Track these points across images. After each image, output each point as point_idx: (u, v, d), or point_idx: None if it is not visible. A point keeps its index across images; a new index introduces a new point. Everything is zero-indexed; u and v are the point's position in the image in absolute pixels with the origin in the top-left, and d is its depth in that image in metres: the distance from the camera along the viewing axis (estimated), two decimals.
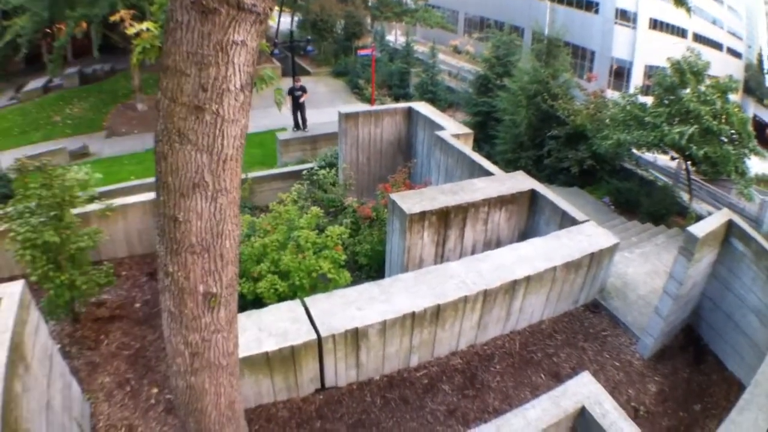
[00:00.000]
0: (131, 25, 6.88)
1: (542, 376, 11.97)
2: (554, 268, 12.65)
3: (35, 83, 59.81)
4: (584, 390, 8.00)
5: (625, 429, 7.39)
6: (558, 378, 11.75)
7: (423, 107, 22.32)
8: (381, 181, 19.85)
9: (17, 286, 9.13)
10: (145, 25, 6.86)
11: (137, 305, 14.64)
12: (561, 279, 13.02)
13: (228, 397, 7.32)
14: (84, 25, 45.58)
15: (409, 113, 22.29)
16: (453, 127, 19.81)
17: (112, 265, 14.32)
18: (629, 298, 14.60)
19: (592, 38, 69.20)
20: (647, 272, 16.13)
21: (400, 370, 11.55)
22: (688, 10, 28.97)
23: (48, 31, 53.57)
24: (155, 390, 11.72)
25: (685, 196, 29.44)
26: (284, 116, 42.13)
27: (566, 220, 14.74)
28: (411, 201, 14.08)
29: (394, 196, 14.54)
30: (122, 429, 10.71)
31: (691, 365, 13.09)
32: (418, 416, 10.69)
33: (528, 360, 12.35)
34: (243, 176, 20.34)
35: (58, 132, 48.22)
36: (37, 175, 12.71)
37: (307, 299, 11.04)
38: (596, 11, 68.88)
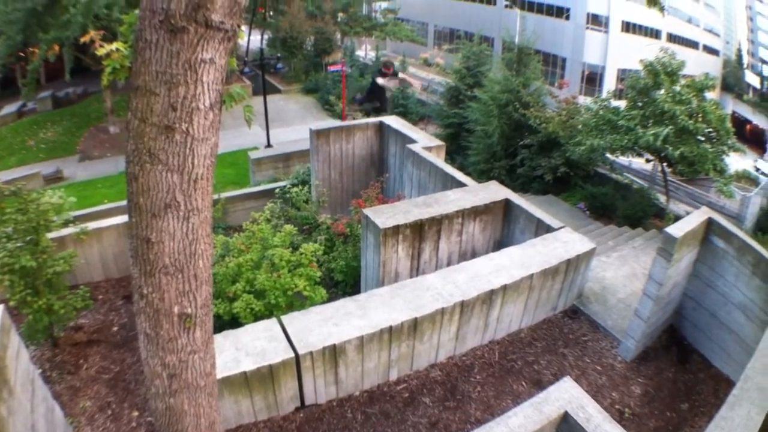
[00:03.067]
0: (101, 46, 6.96)
1: (524, 384, 12.05)
2: (531, 276, 12.74)
3: (9, 108, 60.16)
4: (566, 395, 8.07)
5: (611, 431, 7.47)
6: (540, 385, 11.82)
7: (394, 121, 22.39)
8: (354, 196, 19.93)
9: None
10: (114, 46, 6.93)
11: (115, 329, 14.74)
12: (538, 286, 13.13)
13: (207, 417, 7.38)
14: (56, 48, 45.73)
15: (381, 128, 22.40)
16: (425, 140, 19.91)
17: (89, 288, 14.34)
18: (608, 302, 14.73)
19: (563, 45, 69.65)
20: (626, 275, 16.29)
21: (379, 385, 11.60)
22: (662, 9, 29.28)
23: (21, 54, 53.47)
24: (136, 413, 11.77)
25: (662, 198, 29.63)
26: (256, 135, 42.10)
27: (541, 228, 14.84)
28: (384, 215, 14.15)
29: (367, 211, 14.59)
30: None
31: (675, 365, 13.24)
32: (399, 430, 10.74)
33: (508, 369, 12.43)
34: (216, 196, 20.33)
35: (32, 156, 48.53)
36: (12, 200, 12.75)
37: (283, 317, 11.06)
38: (567, 17, 69.28)
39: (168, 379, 6.50)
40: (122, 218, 16.95)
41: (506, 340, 13.24)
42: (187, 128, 5.00)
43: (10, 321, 9.35)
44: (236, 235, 16.52)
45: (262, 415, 10.60)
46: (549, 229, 14.66)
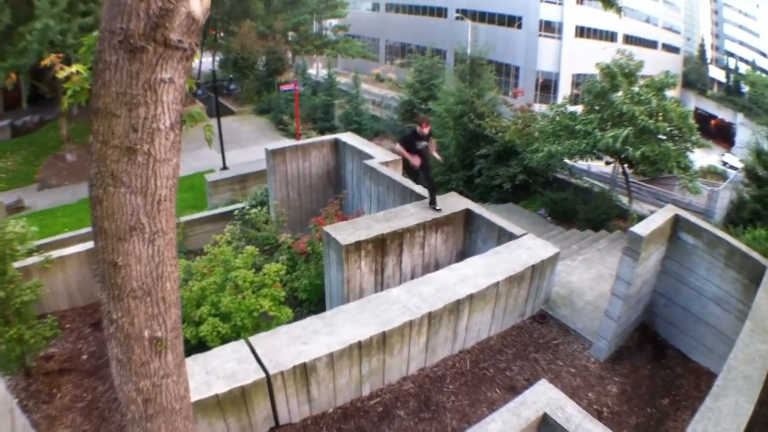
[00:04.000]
0: (61, 69, 6.96)
1: (497, 390, 12.11)
2: (497, 284, 12.86)
3: None
4: (543, 397, 8.17)
5: (593, 428, 7.58)
6: (514, 391, 11.87)
7: (350, 137, 22.54)
8: (313, 215, 19.93)
9: None
10: (74, 68, 6.94)
11: (84, 357, 14.79)
12: (504, 294, 13.23)
13: None
14: (14, 76, 45.61)
15: (336, 145, 22.53)
16: (381, 155, 19.98)
17: (56, 317, 14.42)
18: (576, 305, 14.91)
19: (516, 54, 70.03)
20: (592, 278, 16.45)
21: (353, 401, 11.58)
22: (619, 10, 29.35)
23: None
24: None
25: (625, 200, 29.83)
26: (211, 157, 41.84)
27: (504, 236, 15.02)
28: (345, 232, 14.24)
29: (327, 228, 14.69)
30: None
31: (651, 362, 13.39)
32: None
33: (481, 377, 12.49)
34: (176, 220, 20.37)
35: None
36: None
37: (251, 338, 11.04)
38: (519, 26, 69.65)
39: (143, 404, 6.49)
40: (84, 246, 17.11)
41: (476, 348, 13.31)
42: (148, 149, 5.01)
43: None
44: (198, 258, 16.47)
45: None
46: (511, 236, 14.82)
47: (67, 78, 6.97)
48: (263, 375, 10.11)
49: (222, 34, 74.23)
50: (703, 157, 30.27)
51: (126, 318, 5.84)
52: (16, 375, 13.75)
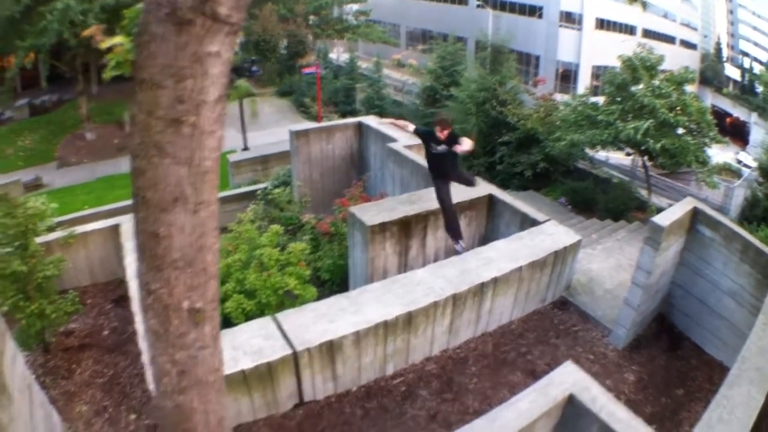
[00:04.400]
0: (102, 40, 6.94)
1: (518, 374, 12.10)
2: (520, 269, 12.84)
3: None
4: (570, 378, 8.19)
5: (616, 411, 7.59)
6: (534, 375, 11.81)
7: (373, 121, 22.55)
8: (336, 196, 19.87)
9: None
10: (118, 39, 6.92)
11: (105, 333, 14.54)
12: (527, 278, 13.23)
13: (216, 414, 7.35)
14: (32, 55, 45.44)
15: (360, 127, 22.56)
16: (405, 139, 19.97)
17: (78, 293, 14.19)
18: (596, 293, 14.84)
19: (537, 43, 69.77)
20: (612, 267, 16.40)
21: (376, 380, 11.63)
22: (644, 5, 29.41)
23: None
24: (133, 416, 11.62)
25: (643, 192, 29.81)
26: (232, 138, 41.71)
27: (526, 222, 14.97)
28: (370, 213, 14.26)
29: (353, 209, 14.67)
30: None
31: (667, 352, 13.32)
32: (399, 423, 10.77)
33: (502, 360, 12.49)
34: None
35: (10, 165, 48.28)
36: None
37: (278, 315, 11.08)
38: (540, 16, 69.37)
39: (177, 376, 6.46)
40: (106, 222, 16.84)
41: (498, 331, 13.31)
42: (195, 121, 4.96)
43: (5, 326, 9.28)
44: (221, 236, 16.45)
45: (262, 413, 10.59)
46: (534, 222, 14.78)
47: (110, 49, 6.96)
48: (290, 351, 10.12)
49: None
50: (718, 153, 30.23)
51: (165, 289, 5.78)
52: (34, 351, 13.62)
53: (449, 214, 14.35)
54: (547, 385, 8.09)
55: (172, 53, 4.65)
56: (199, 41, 4.65)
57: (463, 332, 12.73)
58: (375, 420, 10.86)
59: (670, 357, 13.21)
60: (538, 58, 71.18)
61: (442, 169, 14.24)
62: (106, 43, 6.95)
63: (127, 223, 15.90)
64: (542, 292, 14.05)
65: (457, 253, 13.30)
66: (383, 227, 13.91)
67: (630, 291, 12.76)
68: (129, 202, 22.50)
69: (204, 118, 5.01)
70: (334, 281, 17.21)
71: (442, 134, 13.60)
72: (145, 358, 10.45)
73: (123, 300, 15.31)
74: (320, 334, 10.51)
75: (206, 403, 6.93)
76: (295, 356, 10.19)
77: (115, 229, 16.10)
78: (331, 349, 10.52)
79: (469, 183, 15.04)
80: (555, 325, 13.78)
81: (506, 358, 12.59)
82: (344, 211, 16.36)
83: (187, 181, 5.23)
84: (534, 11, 70.42)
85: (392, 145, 19.41)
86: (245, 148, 40.31)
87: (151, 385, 9.68)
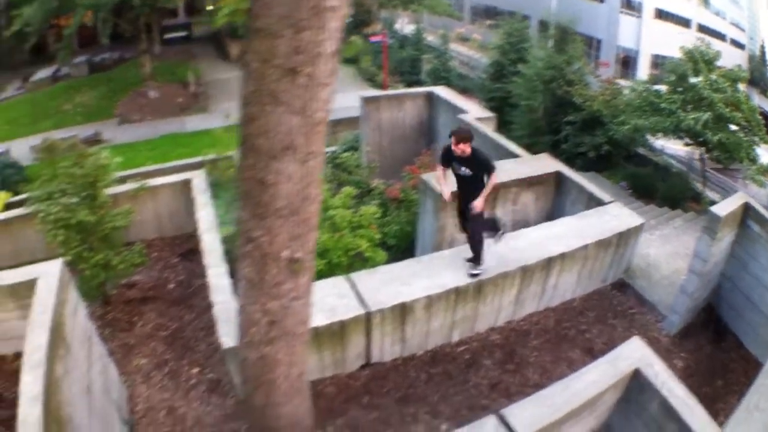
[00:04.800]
0: None
1: (577, 351, 12.11)
2: (586, 246, 12.83)
3: (43, 73, 59.59)
4: (637, 354, 8.24)
5: (675, 388, 7.67)
6: (591, 353, 11.85)
7: (443, 91, 22.42)
8: (404, 164, 19.86)
9: (56, 266, 9.11)
10: None
11: (171, 286, 14.36)
12: (592, 257, 13.20)
13: (299, 367, 7.38)
14: (89, 14, 45.35)
15: (430, 97, 22.35)
16: (475, 111, 19.95)
17: (144, 245, 14.07)
18: (653, 277, 14.75)
19: (598, 27, 69.03)
20: (668, 253, 16.28)
21: (442, 346, 11.66)
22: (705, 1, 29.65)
23: (55, 20, 53.11)
24: (196, 369, 11.65)
25: (697, 183, 29.66)
26: None
27: (592, 201, 14.89)
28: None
29: (426, 176, 14.71)
30: (162, 411, 10.60)
31: (712, 343, 13.30)
32: (462, 390, 10.77)
33: (563, 336, 12.51)
34: None
35: (68, 120, 47.89)
36: (67, 155, 12.61)
37: (352, 275, 11.15)
38: (601, 0, 68.65)
39: (267, 326, 6.46)
40: (178, 176, 16.54)
41: (561, 308, 13.31)
42: (310, 72, 5.04)
43: (69, 276, 9.22)
44: None
45: (329, 371, 10.68)
46: (600, 202, 14.68)
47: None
48: (363, 311, 10.20)
49: None
50: (762, 155, 29.91)
51: (267, 237, 5.86)
52: (93, 303, 13.28)
53: (478, 245, 11.71)
54: (616, 359, 8.21)
55: (291, 4, 4.73)
56: None
57: (528, 305, 12.75)
58: (438, 386, 10.89)
59: (714, 348, 13.20)
60: (599, 41, 70.49)
61: (465, 195, 11.65)
62: None
63: (199, 178, 15.76)
64: (604, 272, 13.99)
65: (472, 276, 11.71)
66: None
67: (686, 278, 12.72)
68: (194, 159, 22.15)
69: (319, 69, 5.09)
70: (400, 247, 17.15)
71: (458, 149, 11.09)
72: (216, 310, 10.39)
73: (191, 254, 15.31)
74: (393, 295, 10.56)
75: (291, 355, 6.96)
76: (368, 316, 10.25)
77: (186, 184, 15.85)
78: (403, 311, 10.56)
79: (492, 227, 12.21)
80: (613, 306, 13.74)
81: (567, 335, 12.60)
82: (414, 178, 16.29)
83: (299, 130, 5.31)
84: None
85: (463, 116, 19.22)
86: None
87: (222, 338, 9.61)
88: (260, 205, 5.68)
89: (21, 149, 41.40)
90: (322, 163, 5.76)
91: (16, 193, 27.86)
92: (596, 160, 30.86)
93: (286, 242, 5.90)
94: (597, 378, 7.82)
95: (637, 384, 7.99)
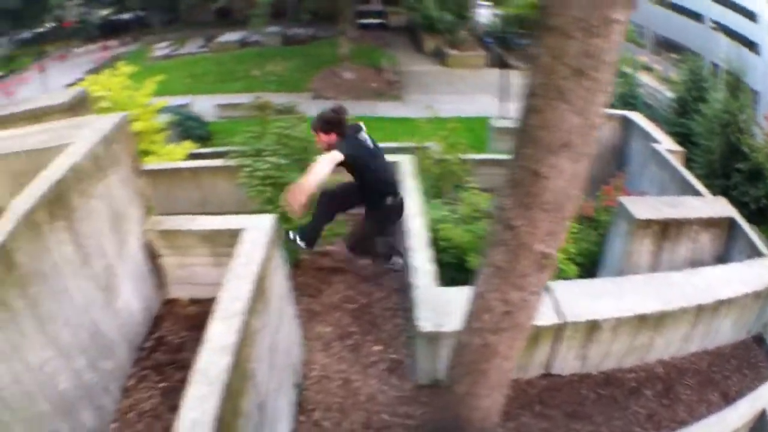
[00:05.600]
0: None
1: (716, 394, 11.91)
2: (747, 295, 12.52)
3: (230, 36, 61.92)
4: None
5: None
6: (726, 398, 11.63)
7: (639, 118, 22.41)
8: (593, 182, 19.53)
9: (267, 220, 9.25)
10: None
11: (363, 261, 14.02)
12: (749, 306, 12.94)
13: (511, 362, 7.49)
14: None
15: (625, 121, 22.42)
16: (667, 143, 19.98)
17: (345, 219, 13.83)
18: None
19: (756, 77, 67.04)
20: None
21: (614, 369, 11.62)
22: None
23: None
24: (379, 347, 11.44)
25: None
26: (484, 104, 41.45)
27: (754, 252, 14.54)
28: (638, 207, 14.18)
29: (623, 199, 14.68)
30: (337, 381, 10.57)
31: None
32: (623, 415, 10.75)
33: (710, 379, 12.30)
34: (463, 157, 20.02)
35: (258, 86, 48.14)
36: (282, 117, 12.69)
37: (551, 283, 11.13)
38: (757, 52, 66.57)
39: (501, 315, 6.58)
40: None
41: (714, 351, 13.06)
42: (595, 76, 5.24)
43: (277, 234, 9.42)
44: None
45: (512, 374, 10.57)
46: (759, 254, 14.31)
47: None
48: (558, 321, 10.28)
49: None
50: None
51: (528, 228, 6.06)
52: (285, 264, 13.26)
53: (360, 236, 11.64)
54: (754, 400, 8.52)
55: (586, 9, 4.95)
56: (608, 6, 4.95)
57: (693, 343, 12.61)
58: (604, 407, 10.87)
59: None
60: (757, 93, 68.80)
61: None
62: None
63: (405, 164, 15.64)
64: (751, 323, 13.62)
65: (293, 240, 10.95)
66: (648, 224, 13.80)
67: None
68: (392, 144, 22.00)
69: (602, 76, 5.30)
70: (583, 265, 16.78)
71: (319, 140, 10.54)
72: (416, 293, 10.40)
73: None
74: (586, 310, 10.59)
75: (510, 349, 7.11)
76: (561, 327, 10.32)
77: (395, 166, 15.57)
78: (592, 328, 10.57)
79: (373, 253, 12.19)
80: (749, 357, 13.36)
81: (713, 378, 12.39)
82: (608, 198, 16.18)
83: (578, 130, 5.52)
84: (752, 45, 67.85)
85: (656, 146, 19.25)
86: (501, 117, 39.92)
87: (419, 322, 9.64)
88: (529, 195, 5.92)
89: (203, 105, 43.72)
90: (587, 166, 5.97)
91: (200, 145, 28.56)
92: (756, 212, 30.08)
93: (543, 236, 6.13)
94: (736, 420, 8.06)
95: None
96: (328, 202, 10.71)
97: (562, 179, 5.75)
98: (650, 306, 11.04)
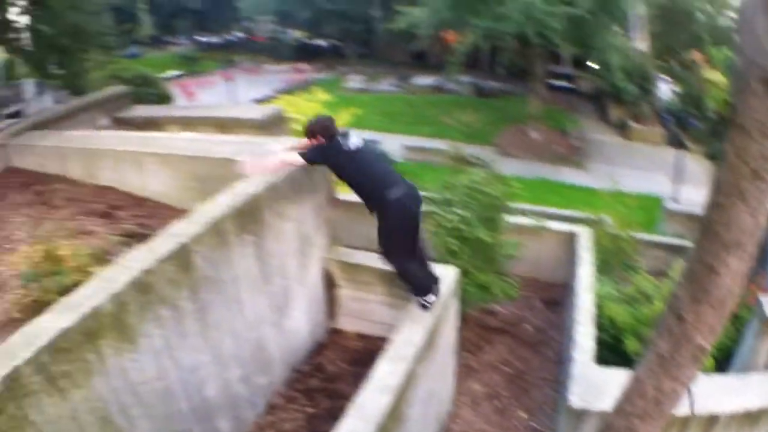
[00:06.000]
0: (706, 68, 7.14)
1: None
2: None
3: (423, 80, 61.80)
4: None
5: None
6: None
7: None
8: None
9: (452, 272, 9.20)
10: (717, 76, 7.09)
11: (527, 326, 13.82)
12: None
13: None
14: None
15: None
16: None
17: (518, 280, 13.07)
18: None
19: None
20: None
21: None
22: None
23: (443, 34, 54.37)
24: (524, 415, 11.08)
25: None
26: (658, 183, 40.28)
27: None
28: None
29: (763, 298, 14.09)
30: None
31: None
32: None
33: None
34: (635, 235, 19.44)
35: (447, 133, 48.63)
36: (473, 170, 12.68)
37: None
38: None
39: (652, 402, 6.47)
40: (563, 226, 16.03)
41: None
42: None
43: (458, 287, 9.47)
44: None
45: None
46: None
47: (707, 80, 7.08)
48: (689, 412, 9.86)
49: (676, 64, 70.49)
50: None
51: (694, 321, 5.83)
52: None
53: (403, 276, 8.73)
54: None
55: (764, 113, 4.77)
56: None
57: None
58: None
59: None
60: None
61: None
62: (710, 74, 7.14)
63: (583, 235, 15.14)
64: None
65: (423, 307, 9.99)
66: None
67: None
68: (567, 211, 21.66)
69: None
70: (714, 356, 16.37)
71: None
72: (572, 368, 10.28)
73: (555, 304, 14.77)
74: (715, 405, 10.04)
75: None
76: (690, 419, 9.68)
77: (570, 236, 15.41)
78: (711, 421, 10.20)
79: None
80: None
81: None
82: (751, 295, 15.79)
83: (749, 230, 5.26)
84: None
85: None
86: (673, 199, 38.62)
87: (571, 396, 9.56)
88: (700, 289, 5.73)
89: (393, 144, 43.73)
90: (747, 264, 5.76)
91: None
92: None
93: (705, 331, 5.94)
94: None
95: None
96: (389, 248, 8.60)
97: (730, 277, 5.49)
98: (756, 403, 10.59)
